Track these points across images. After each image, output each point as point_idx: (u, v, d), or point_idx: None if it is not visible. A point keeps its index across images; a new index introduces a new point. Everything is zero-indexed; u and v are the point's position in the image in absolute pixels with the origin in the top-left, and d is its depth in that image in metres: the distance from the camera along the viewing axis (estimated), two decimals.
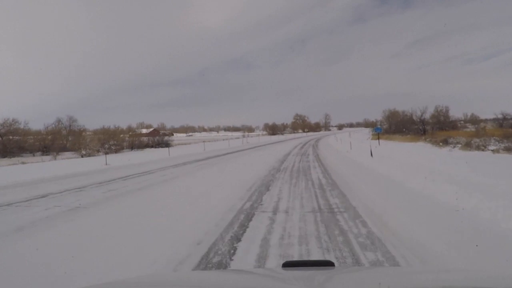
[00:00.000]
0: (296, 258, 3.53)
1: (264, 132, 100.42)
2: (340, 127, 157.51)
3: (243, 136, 72.60)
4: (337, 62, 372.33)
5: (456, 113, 57.41)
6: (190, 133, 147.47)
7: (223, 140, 52.42)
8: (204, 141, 53.04)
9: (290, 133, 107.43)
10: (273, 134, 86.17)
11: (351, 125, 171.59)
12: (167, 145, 37.36)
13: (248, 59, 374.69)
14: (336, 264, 1.89)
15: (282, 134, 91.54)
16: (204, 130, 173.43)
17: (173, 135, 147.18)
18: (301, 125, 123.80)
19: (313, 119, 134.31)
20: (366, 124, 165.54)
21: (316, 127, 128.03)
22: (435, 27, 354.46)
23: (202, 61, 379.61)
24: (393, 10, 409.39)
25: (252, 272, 2.00)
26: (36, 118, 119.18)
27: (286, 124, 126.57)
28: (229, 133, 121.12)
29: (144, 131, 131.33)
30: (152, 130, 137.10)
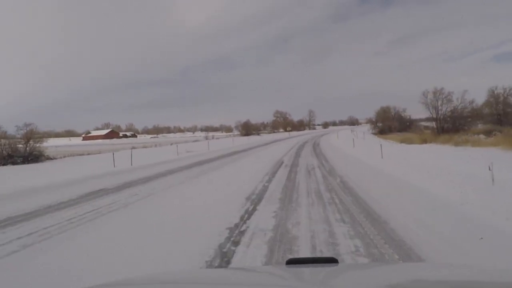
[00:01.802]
0: None
1: (237, 133, 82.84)
2: (326, 125, 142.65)
3: (206, 138, 55.60)
4: (320, 60, 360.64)
5: None
6: (156, 135, 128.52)
7: (171, 144, 36.09)
8: (143, 145, 36.28)
9: (270, 132, 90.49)
10: (247, 134, 68.20)
11: (334, 124, 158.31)
12: (29, 160, 19.69)
13: (230, 58, 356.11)
14: (339, 260, 1.57)
15: (258, 134, 73.57)
16: (181, 130, 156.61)
17: (136, 136, 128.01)
18: (283, 123, 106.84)
19: (295, 117, 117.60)
20: (351, 122, 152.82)
21: (299, 126, 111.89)
22: (417, 25, 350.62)
23: (183, 60, 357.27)
24: (375, 8, 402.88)
25: (255, 270, 2.02)
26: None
27: (267, 123, 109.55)
28: (205, 133, 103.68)
29: (94, 132, 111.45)
30: (109, 132, 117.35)
